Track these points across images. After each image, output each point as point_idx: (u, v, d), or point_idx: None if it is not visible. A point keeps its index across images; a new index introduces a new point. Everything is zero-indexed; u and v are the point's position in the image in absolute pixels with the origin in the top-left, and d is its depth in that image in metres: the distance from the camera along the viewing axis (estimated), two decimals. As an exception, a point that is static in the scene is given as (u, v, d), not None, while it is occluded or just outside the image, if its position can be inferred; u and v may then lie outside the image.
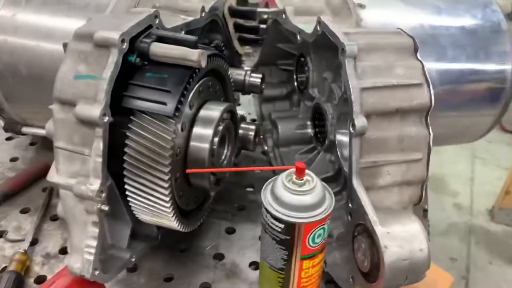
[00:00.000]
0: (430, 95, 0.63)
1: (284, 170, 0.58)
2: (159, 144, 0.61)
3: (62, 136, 0.62)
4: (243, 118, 0.93)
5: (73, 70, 0.61)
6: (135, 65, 0.63)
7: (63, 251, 0.83)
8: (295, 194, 0.55)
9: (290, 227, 0.55)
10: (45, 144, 1.10)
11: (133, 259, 0.72)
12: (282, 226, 0.55)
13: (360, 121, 0.59)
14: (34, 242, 0.84)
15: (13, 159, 1.06)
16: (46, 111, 0.94)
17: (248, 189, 1.00)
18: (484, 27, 0.90)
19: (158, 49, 0.63)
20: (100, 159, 0.60)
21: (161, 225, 0.72)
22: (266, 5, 0.98)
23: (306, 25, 0.80)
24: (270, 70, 1.10)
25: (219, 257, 0.83)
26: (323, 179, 0.62)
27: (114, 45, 0.60)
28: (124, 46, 0.61)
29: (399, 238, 0.57)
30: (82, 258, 0.63)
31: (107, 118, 0.59)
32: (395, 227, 0.57)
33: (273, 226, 0.56)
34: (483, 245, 2.71)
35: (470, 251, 2.67)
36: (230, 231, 0.89)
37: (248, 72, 0.92)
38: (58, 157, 0.63)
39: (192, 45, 0.64)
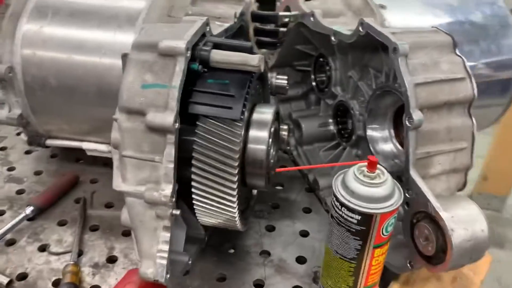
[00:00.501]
0: (473, 87, 0.68)
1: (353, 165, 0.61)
2: (228, 147, 0.64)
3: (130, 145, 0.64)
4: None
5: (139, 79, 0.63)
6: (196, 72, 0.65)
7: (111, 260, 0.84)
8: (370, 187, 0.58)
9: (367, 218, 0.58)
10: (66, 156, 1.09)
11: (190, 262, 0.74)
12: (359, 217, 0.59)
13: (417, 114, 0.64)
14: (79, 254, 0.84)
15: (37, 173, 1.05)
16: (74, 122, 0.95)
17: (277, 187, 1.03)
18: (493, 22, 0.97)
19: (219, 56, 0.65)
20: (171, 165, 0.62)
21: (220, 226, 0.74)
22: (287, 9, 1.01)
23: (338, 27, 0.84)
24: (284, 71, 1.13)
25: (266, 254, 0.86)
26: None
27: (181, 54, 0.61)
28: (188, 54, 0.63)
29: (463, 221, 0.61)
30: (154, 264, 0.65)
31: (177, 124, 0.61)
32: (457, 211, 0.62)
33: (349, 218, 0.59)
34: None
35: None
36: (270, 228, 0.92)
37: (274, 75, 0.95)
38: (125, 165, 0.64)
39: (249, 51, 0.67)
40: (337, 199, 0.60)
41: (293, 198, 1.00)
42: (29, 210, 0.91)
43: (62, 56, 0.89)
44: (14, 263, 0.82)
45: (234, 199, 0.66)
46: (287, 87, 0.95)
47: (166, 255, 0.64)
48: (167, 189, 0.62)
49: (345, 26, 0.83)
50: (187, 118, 0.65)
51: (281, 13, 0.99)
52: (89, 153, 0.99)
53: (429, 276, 0.76)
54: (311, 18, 0.90)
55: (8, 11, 0.92)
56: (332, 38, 0.84)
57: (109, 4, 0.92)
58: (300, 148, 1.08)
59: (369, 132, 0.89)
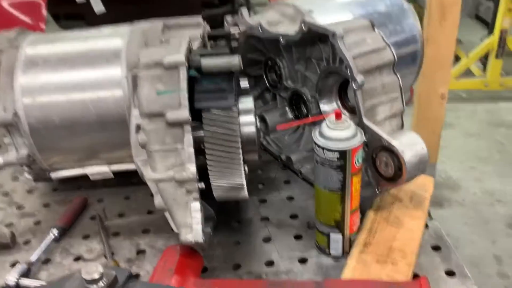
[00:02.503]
0: (393, 53, 0.94)
1: (321, 120, 0.84)
2: (231, 128, 0.83)
3: (155, 141, 0.81)
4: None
5: (153, 89, 0.81)
6: (192, 78, 0.85)
7: (140, 252, 0.99)
8: (340, 130, 0.81)
9: (343, 154, 0.80)
10: (67, 187, 1.22)
11: (211, 233, 0.91)
12: (338, 155, 0.80)
13: (359, 77, 0.87)
14: (112, 254, 0.99)
15: (46, 205, 1.17)
16: (76, 151, 1.10)
17: (258, 171, 1.24)
18: (394, 8, 1.25)
19: (208, 62, 0.85)
20: (191, 148, 0.81)
21: (231, 199, 0.92)
22: (236, 25, 1.24)
23: (282, 30, 1.08)
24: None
25: (265, 219, 1.05)
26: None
27: (182, 64, 0.81)
28: (186, 64, 0.82)
29: (408, 144, 0.85)
30: (191, 229, 0.82)
31: (189, 117, 0.80)
32: (402, 139, 0.86)
33: (330, 158, 0.81)
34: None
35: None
36: (262, 201, 1.11)
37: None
38: (154, 158, 0.82)
39: (227, 55, 0.88)
40: (319, 146, 0.82)
41: (273, 176, 1.21)
42: (55, 231, 1.03)
43: (61, 97, 1.02)
44: (57, 275, 0.95)
45: (242, 171, 0.85)
46: (249, 88, 1.17)
47: (199, 220, 0.82)
48: (192, 167, 0.81)
49: (287, 30, 1.06)
50: (193, 115, 0.84)
51: (231, 31, 1.21)
52: (92, 178, 1.13)
53: (392, 200, 0.99)
54: (259, 29, 1.13)
55: (2, 66, 1.06)
56: (281, 40, 1.07)
57: (91, 47, 1.07)
58: (268, 137, 1.30)
59: (322, 107, 1.12)
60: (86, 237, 1.05)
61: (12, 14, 2.94)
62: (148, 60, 0.83)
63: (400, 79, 0.94)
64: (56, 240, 1.03)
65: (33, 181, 1.15)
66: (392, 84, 0.94)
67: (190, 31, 1.11)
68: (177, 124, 0.80)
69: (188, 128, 0.80)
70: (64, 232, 1.06)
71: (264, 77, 1.32)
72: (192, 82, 0.85)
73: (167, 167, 0.82)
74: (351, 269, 0.84)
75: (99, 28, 1.14)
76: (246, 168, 1.00)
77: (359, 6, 1.22)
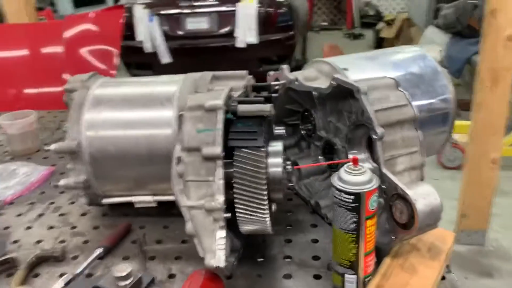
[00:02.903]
0: (413, 110, 1.02)
1: (343, 163, 0.92)
2: (258, 166, 0.94)
3: (191, 172, 0.93)
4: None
5: (194, 127, 0.94)
6: (229, 120, 0.97)
7: (171, 276, 1.08)
8: (356, 175, 0.89)
9: (357, 196, 0.88)
10: (115, 213, 1.36)
11: (235, 263, 1.00)
12: (352, 197, 0.88)
13: (379, 129, 0.96)
14: (146, 275, 1.09)
15: (95, 227, 1.31)
16: (127, 181, 1.23)
17: (288, 213, 1.31)
18: (427, 71, 1.34)
19: (243, 108, 0.98)
20: (221, 181, 0.91)
21: (257, 233, 1.01)
22: (276, 80, 1.37)
23: (316, 85, 1.19)
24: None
25: (288, 257, 1.12)
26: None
27: (220, 108, 0.94)
28: (224, 108, 0.95)
29: (422, 194, 0.91)
30: (215, 255, 0.91)
31: (223, 153, 0.91)
32: (417, 189, 0.92)
33: (346, 200, 0.88)
34: (455, 264, 3.07)
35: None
36: (288, 241, 1.19)
37: (274, 126, 1.27)
38: (189, 188, 0.93)
39: (262, 102, 1.00)
40: (337, 188, 0.90)
41: (301, 219, 1.28)
42: (100, 250, 1.16)
43: (119, 132, 1.19)
44: (97, 288, 1.06)
45: (266, 207, 0.95)
46: (285, 134, 1.28)
47: (223, 247, 0.91)
48: (220, 198, 0.91)
49: (321, 85, 1.17)
50: (226, 153, 0.96)
51: (272, 83, 1.34)
52: (137, 205, 1.27)
53: (410, 249, 1.04)
54: (296, 82, 1.25)
55: (73, 102, 1.24)
56: (314, 92, 1.19)
57: (150, 91, 1.24)
58: (300, 182, 1.38)
59: (350, 157, 1.20)
60: (126, 258, 1.16)
61: (88, 60, 3.30)
62: (193, 103, 0.97)
63: (420, 133, 1.01)
64: (100, 257, 1.16)
65: (87, 205, 1.29)
66: (412, 139, 1.01)
67: (235, 82, 1.25)
68: (211, 159, 0.92)
69: (220, 162, 0.91)
70: (108, 251, 1.18)
71: (301, 126, 1.42)
72: (229, 124, 0.98)
73: (199, 197, 0.93)
74: (361, 308, 0.89)
75: (158, 76, 1.31)
76: (274, 206, 1.09)
77: (393, 67, 1.32)
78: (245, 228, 1.00)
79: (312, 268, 1.08)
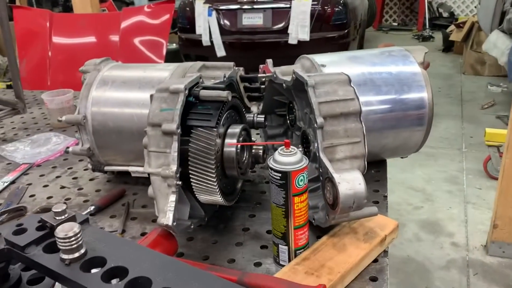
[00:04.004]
0: (359, 104, 1.11)
1: (280, 145, 1.04)
2: (209, 143, 1.08)
3: (153, 144, 1.10)
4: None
5: (158, 107, 1.10)
6: (191, 103, 1.13)
7: (143, 234, 1.26)
8: (286, 156, 1.01)
9: (285, 175, 1.00)
10: (117, 180, 1.56)
11: (192, 226, 1.15)
12: (280, 175, 1.00)
13: (319, 119, 1.06)
14: (123, 231, 1.28)
15: (97, 190, 1.52)
16: (123, 152, 1.43)
17: (262, 193, 1.45)
18: (405, 70, 1.40)
19: (204, 93, 1.13)
20: (176, 153, 1.07)
21: (212, 202, 1.15)
22: (264, 72, 1.50)
23: (288, 79, 1.31)
24: (270, 117, 1.59)
25: (246, 229, 1.26)
26: (311, 179, 1.09)
27: (181, 91, 1.09)
28: (185, 92, 1.10)
29: (347, 179, 1.01)
30: (166, 215, 1.07)
31: (179, 130, 1.07)
32: (345, 174, 1.02)
33: (275, 177, 1.01)
34: (481, 275, 3.01)
35: (470, 281, 2.96)
36: (252, 216, 1.32)
37: (255, 115, 1.41)
38: (150, 157, 1.10)
39: (222, 89, 1.14)
40: (269, 167, 1.02)
41: (271, 199, 1.41)
42: (92, 208, 1.37)
43: (117, 110, 1.39)
44: (82, 238, 1.26)
45: (214, 179, 1.09)
46: (266, 122, 1.41)
47: (173, 209, 1.07)
48: (173, 168, 1.07)
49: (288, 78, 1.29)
50: (187, 131, 1.11)
51: (259, 75, 1.47)
52: (133, 175, 1.46)
53: (349, 231, 1.13)
54: (274, 76, 1.37)
55: (85, 81, 1.46)
56: (284, 84, 1.31)
57: (146, 75, 1.43)
58: (279, 168, 1.50)
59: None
60: (112, 216, 1.36)
61: (140, 49, 3.59)
62: (162, 86, 1.13)
63: (364, 126, 1.10)
64: (91, 214, 1.36)
65: (92, 170, 1.51)
66: (356, 130, 1.10)
67: (221, 71, 1.40)
68: (169, 134, 1.08)
69: (175, 137, 1.07)
70: (99, 210, 1.38)
71: (287, 116, 1.54)
72: (191, 106, 1.13)
73: (158, 165, 1.09)
74: (281, 274, 1.01)
75: (157, 64, 1.49)
76: (240, 183, 1.23)
77: (371, 65, 1.40)
78: (202, 197, 1.15)
79: (263, 240, 1.21)
